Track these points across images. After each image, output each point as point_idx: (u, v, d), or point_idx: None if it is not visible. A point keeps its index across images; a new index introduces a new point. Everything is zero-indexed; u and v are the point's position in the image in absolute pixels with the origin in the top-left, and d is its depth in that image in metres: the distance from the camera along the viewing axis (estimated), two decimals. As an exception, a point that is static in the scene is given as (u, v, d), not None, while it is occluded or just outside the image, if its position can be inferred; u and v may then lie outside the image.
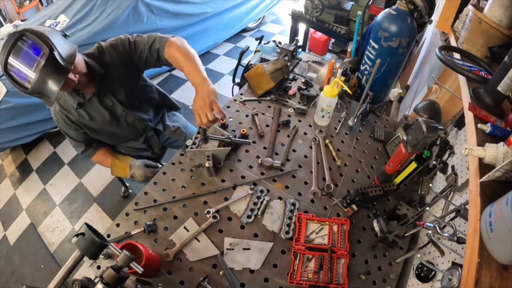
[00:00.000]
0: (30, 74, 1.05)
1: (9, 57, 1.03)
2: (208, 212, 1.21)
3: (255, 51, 2.16)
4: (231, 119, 1.59)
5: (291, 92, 1.74)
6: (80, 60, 1.21)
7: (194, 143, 1.34)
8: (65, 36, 1.19)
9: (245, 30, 4.53)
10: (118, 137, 1.59)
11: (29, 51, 1.04)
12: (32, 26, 1.14)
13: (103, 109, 1.42)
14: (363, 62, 2.04)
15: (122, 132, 1.56)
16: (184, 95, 3.46)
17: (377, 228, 1.11)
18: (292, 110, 1.66)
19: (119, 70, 1.38)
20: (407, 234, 1.09)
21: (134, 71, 1.47)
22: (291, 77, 1.72)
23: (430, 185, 1.14)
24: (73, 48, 1.16)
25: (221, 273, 1.07)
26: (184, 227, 1.18)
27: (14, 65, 1.04)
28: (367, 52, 1.97)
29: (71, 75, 1.14)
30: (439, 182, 1.26)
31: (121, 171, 1.61)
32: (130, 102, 1.49)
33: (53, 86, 1.07)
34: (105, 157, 1.62)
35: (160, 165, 1.66)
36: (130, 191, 2.48)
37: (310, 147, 1.48)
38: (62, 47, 1.10)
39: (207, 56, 4.10)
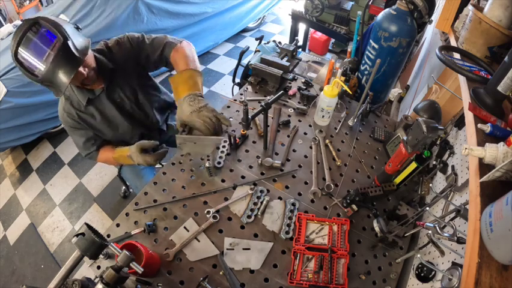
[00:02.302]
0: (41, 63, 1.02)
1: (21, 45, 1.01)
2: (208, 212, 1.21)
3: (255, 51, 2.16)
4: (231, 119, 1.59)
5: (291, 92, 1.74)
6: (90, 54, 1.19)
7: (184, 130, 1.23)
8: (77, 28, 1.17)
9: (245, 30, 4.53)
10: (123, 134, 1.56)
11: (41, 39, 1.02)
12: (46, 15, 1.12)
13: (112, 104, 1.41)
14: (363, 62, 2.04)
15: (128, 130, 1.54)
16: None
17: (377, 228, 1.11)
18: (292, 110, 1.66)
19: (126, 66, 1.38)
20: (407, 234, 1.10)
21: (141, 69, 1.47)
22: (291, 77, 1.71)
23: (430, 185, 1.14)
24: (86, 40, 1.15)
25: (221, 273, 1.07)
26: (184, 227, 1.18)
27: (25, 52, 1.02)
28: (367, 52, 1.97)
29: (81, 68, 1.12)
30: (439, 182, 1.26)
31: (126, 162, 1.54)
32: (137, 99, 1.49)
33: (63, 77, 1.05)
34: (107, 156, 1.57)
35: (157, 142, 1.52)
36: (131, 190, 2.48)
37: (310, 147, 1.48)
38: (76, 38, 1.09)
39: (207, 56, 4.10)
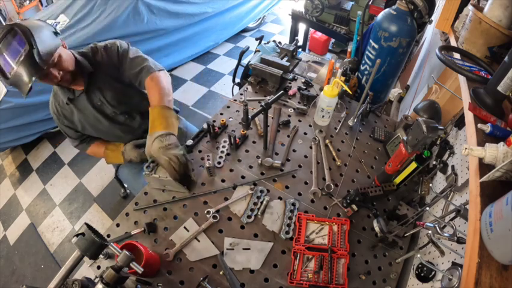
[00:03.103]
0: (13, 65, 1.12)
1: None
2: (208, 212, 1.21)
3: (255, 51, 2.16)
4: (231, 119, 1.59)
5: (291, 92, 1.74)
6: (68, 57, 1.26)
7: (148, 166, 1.22)
8: (55, 33, 1.24)
9: (245, 30, 4.54)
10: (112, 135, 1.59)
11: (13, 45, 1.12)
12: (30, 19, 1.23)
13: (92, 107, 1.44)
14: (363, 62, 2.04)
15: (115, 131, 1.57)
16: (184, 95, 3.47)
17: (377, 228, 1.11)
18: (292, 110, 1.66)
19: (109, 72, 1.41)
20: (407, 234, 1.10)
21: (123, 79, 1.47)
22: (291, 77, 1.72)
23: (430, 185, 1.14)
24: (54, 46, 1.19)
25: (221, 273, 1.07)
26: (184, 227, 1.18)
27: (0, 55, 1.12)
28: (367, 52, 1.97)
29: (54, 71, 1.21)
30: (439, 182, 1.26)
31: (116, 160, 1.61)
32: (119, 105, 1.50)
33: (25, 78, 1.13)
34: (98, 149, 1.62)
35: None
36: (128, 191, 2.48)
37: (310, 147, 1.48)
38: (44, 45, 1.14)
39: (207, 56, 4.11)
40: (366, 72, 2.04)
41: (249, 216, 1.21)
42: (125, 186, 2.42)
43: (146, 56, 1.45)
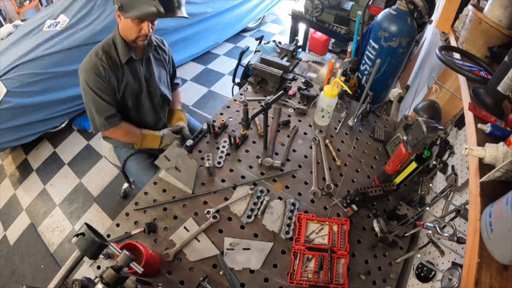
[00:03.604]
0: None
1: None
2: (208, 212, 1.21)
3: (255, 51, 2.16)
4: (231, 119, 1.59)
5: (291, 92, 1.74)
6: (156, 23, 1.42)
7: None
8: None
9: (245, 30, 4.53)
10: (141, 114, 1.64)
11: None
12: None
13: (142, 75, 1.53)
14: (363, 62, 2.04)
15: (147, 112, 1.65)
16: (184, 95, 3.41)
17: (377, 228, 1.11)
18: (292, 110, 1.66)
19: (162, 59, 1.64)
20: (407, 234, 1.10)
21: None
22: (291, 77, 1.72)
23: (430, 185, 1.14)
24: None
25: (221, 273, 1.07)
26: (184, 227, 1.18)
27: None
28: (367, 52, 1.97)
29: (151, 24, 1.38)
30: (439, 182, 1.26)
31: (152, 143, 1.59)
32: (161, 85, 1.65)
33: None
34: (132, 128, 1.56)
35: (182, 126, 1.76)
36: (133, 187, 2.47)
37: (310, 147, 1.48)
38: None
39: (207, 56, 4.10)
40: (366, 72, 2.04)
41: (249, 216, 1.21)
42: (131, 181, 2.41)
43: None
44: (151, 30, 1.38)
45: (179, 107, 1.84)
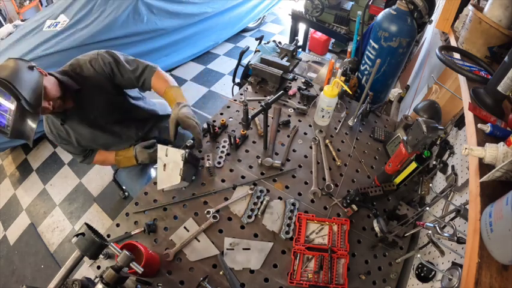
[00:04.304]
0: (7, 123, 1.09)
1: None
2: (208, 212, 1.21)
3: (255, 51, 2.16)
4: (231, 119, 1.59)
5: (291, 92, 1.74)
6: (52, 84, 1.20)
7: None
8: (31, 68, 1.16)
9: (245, 30, 4.53)
10: (111, 145, 1.59)
11: (2, 101, 1.08)
12: (5, 64, 1.13)
13: (86, 123, 1.43)
14: (363, 62, 2.04)
15: (114, 141, 1.57)
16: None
17: (377, 228, 1.11)
18: (292, 110, 1.66)
19: (97, 84, 1.38)
20: (407, 234, 1.09)
21: (114, 88, 1.45)
22: (291, 77, 1.72)
23: (430, 185, 1.14)
24: (36, 84, 1.13)
25: (221, 273, 1.07)
26: (184, 227, 1.18)
27: None
28: (367, 52, 1.97)
29: (45, 104, 1.16)
30: (439, 182, 1.26)
31: (129, 163, 1.59)
32: (112, 114, 1.50)
33: (26, 128, 1.12)
34: (105, 156, 1.61)
35: (155, 141, 1.59)
36: (126, 193, 2.47)
37: (310, 147, 1.48)
38: (28, 90, 1.09)
39: (207, 56, 4.10)
40: (366, 72, 2.04)
41: (249, 216, 1.21)
42: (124, 188, 2.42)
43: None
44: (50, 107, 1.21)
45: (170, 85, 1.45)
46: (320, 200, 1.30)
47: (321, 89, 1.74)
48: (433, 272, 0.93)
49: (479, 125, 0.85)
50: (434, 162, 1.23)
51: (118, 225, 1.19)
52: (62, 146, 1.54)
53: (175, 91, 1.42)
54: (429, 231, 0.84)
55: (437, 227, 0.83)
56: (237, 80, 2.34)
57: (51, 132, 1.47)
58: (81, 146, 1.53)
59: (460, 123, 1.24)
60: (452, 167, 1.14)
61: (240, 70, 2.19)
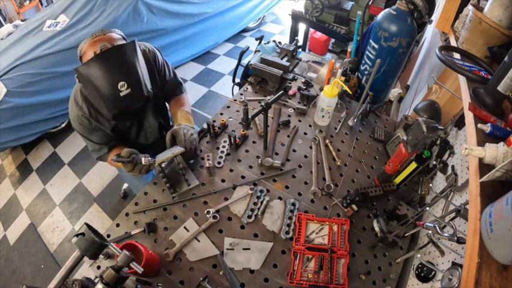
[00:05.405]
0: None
1: None
2: (208, 212, 1.21)
3: (255, 51, 2.15)
4: (231, 119, 1.59)
5: (291, 92, 1.74)
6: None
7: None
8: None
9: (245, 30, 4.53)
10: (135, 139, 1.55)
11: None
12: None
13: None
14: (363, 62, 2.04)
15: (140, 134, 1.55)
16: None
17: (377, 228, 1.11)
18: (292, 110, 1.66)
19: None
20: (407, 234, 1.09)
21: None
22: (291, 77, 1.72)
23: (430, 185, 1.14)
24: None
25: (221, 273, 1.07)
26: (184, 227, 1.18)
27: None
28: (367, 52, 1.97)
29: None
30: (439, 182, 1.26)
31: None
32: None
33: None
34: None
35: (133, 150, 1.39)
36: (127, 191, 2.48)
37: (310, 147, 1.48)
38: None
39: (207, 56, 4.10)
40: (366, 72, 2.04)
41: (249, 216, 1.21)
42: (127, 185, 2.43)
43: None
44: None
45: (185, 109, 1.56)
46: (320, 200, 1.30)
47: (321, 89, 1.74)
48: (433, 272, 0.93)
49: (479, 125, 0.85)
50: (434, 162, 1.23)
51: (118, 225, 1.19)
52: (89, 132, 1.36)
53: (185, 114, 1.52)
54: (429, 231, 0.84)
55: (437, 227, 0.83)
56: (237, 80, 2.34)
57: (86, 116, 1.30)
58: (110, 137, 1.41)
59: (460, 123, 1.24)
60: (452, 167, 1.14)
61: (240, 70, 2.19)
